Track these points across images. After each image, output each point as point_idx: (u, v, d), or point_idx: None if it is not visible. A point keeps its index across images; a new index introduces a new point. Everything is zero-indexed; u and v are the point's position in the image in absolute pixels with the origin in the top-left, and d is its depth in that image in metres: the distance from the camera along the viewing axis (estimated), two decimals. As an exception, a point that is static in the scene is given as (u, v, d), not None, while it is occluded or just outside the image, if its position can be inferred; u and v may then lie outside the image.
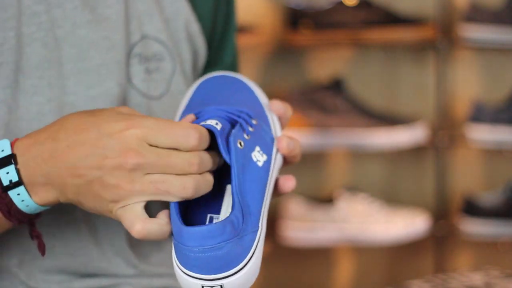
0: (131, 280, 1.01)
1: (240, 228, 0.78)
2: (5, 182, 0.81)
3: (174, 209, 0.79)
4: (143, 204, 0.80)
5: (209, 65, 1.09)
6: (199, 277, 0.77)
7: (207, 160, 0.82)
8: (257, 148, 0.85)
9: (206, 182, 0.81)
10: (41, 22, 0.94)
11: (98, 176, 0.79)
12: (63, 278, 0.98)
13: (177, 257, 0.79)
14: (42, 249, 0.87)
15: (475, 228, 2.38)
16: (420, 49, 2.47)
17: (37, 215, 0.85)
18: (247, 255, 0.78)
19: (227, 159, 0.82)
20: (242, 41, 1.80)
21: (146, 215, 0.80)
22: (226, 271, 0.77)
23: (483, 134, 2.36)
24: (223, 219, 0.83)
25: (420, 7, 2.44)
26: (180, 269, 0.78)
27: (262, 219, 0.82)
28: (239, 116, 0.86)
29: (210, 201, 0.85)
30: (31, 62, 0.93)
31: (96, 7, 0.97)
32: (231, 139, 0.82)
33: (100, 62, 0.96)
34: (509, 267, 1.89)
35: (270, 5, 2.49)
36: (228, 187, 0.86)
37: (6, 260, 0.96)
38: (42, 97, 0.93)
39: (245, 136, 0.85)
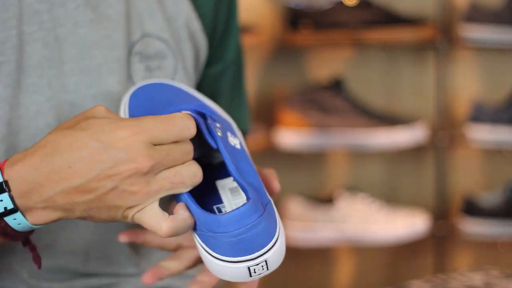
0: (132, 278, 1.01)
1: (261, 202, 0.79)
2: (0, 209, 0.79)
3: (194, 205, 0.80)
4: (157, 203, 0.80)
5: (211, 63, 1.09)
6: (244, 259, 0.77)
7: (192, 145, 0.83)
8: (229, 134, 0.87)
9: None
10: (42, 21, 0.94)
11: (112, 186, 0.78)
12: (65, 277, 0.98)
13: (213, 249, 0.78)
14: (38, 261, 0.86)
15: (475, 228, 2.38)
16: (420, 49, 2.47)
17: (33, 230, 0.84)
18: (276, 224, 0.79)
19: (213, 144, 0.83)
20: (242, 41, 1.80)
21: (166, 214, 0.80)
22: (267, 245, 0.78)
23: (483, 134, 2.36)
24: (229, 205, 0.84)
25: (420, 7, 2.44)
26: (222, 260, 0.78)
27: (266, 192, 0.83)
28: (202, 109, 0.87)
29: (209, 197, 0.87)
30: (32, 61, 0.93)
31: (97, 6, 0.97)
32: (212, 129, 0.84)
33: (101, 61, 0.96)
34: (509, 267, 1.89)
35: (270, 5, 2.49)
36: (218, 182, 0.88)
37: (8, 258, 0.96)
38: (41, 96, 0.94)
39: (218, 125, 0.86)
